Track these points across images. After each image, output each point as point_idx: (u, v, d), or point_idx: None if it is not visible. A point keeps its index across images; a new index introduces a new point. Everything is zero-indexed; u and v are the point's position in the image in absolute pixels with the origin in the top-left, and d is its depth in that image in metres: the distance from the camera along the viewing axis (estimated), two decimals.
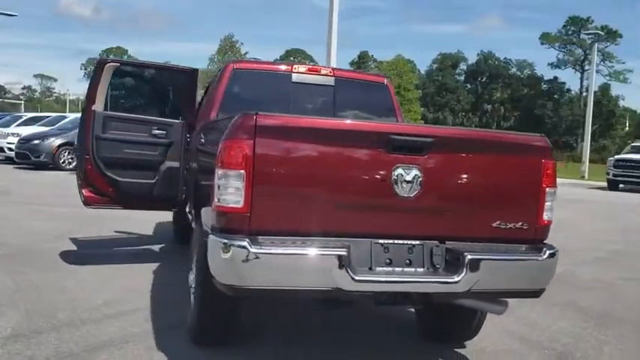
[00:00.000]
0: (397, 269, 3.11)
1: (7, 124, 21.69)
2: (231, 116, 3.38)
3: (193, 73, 5.96)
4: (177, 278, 5.49)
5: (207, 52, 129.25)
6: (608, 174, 22.66)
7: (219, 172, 2.99)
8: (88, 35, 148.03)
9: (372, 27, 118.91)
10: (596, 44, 38.72)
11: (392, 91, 5.50)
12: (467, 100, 71.13)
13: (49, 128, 19.24)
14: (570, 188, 20.84)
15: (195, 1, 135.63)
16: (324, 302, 3.68)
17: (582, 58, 67.83)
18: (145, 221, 8.14)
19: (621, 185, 22.27)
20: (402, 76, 54.61)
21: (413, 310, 4.45)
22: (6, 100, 68.59)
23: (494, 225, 3.27)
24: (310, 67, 5.57)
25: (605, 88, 64.83)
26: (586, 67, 66.49)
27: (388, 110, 5.34)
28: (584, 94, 61.70)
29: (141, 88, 6.29)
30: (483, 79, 72.85)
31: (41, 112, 38.37)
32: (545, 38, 69.68)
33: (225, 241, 2.93)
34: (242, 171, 2.93)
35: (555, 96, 68.82)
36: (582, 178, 30.79)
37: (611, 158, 24.02)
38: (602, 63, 65.12)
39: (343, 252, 2.94)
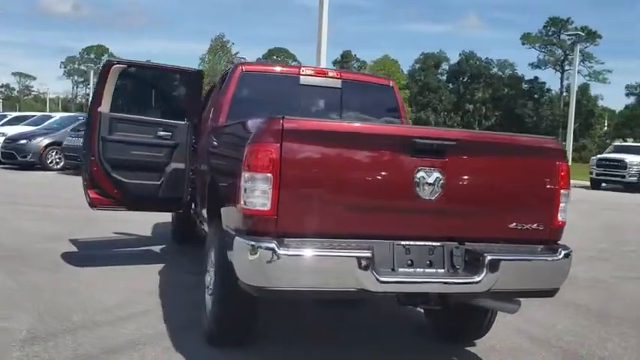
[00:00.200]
0: (418, 270, 3.17)
1: None
2: (250, 120, 3.43)
3: (198, 74, 5.99)
4: (181, 279, 5.53)
5: (190, 52, 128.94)
6: (591, 173, 22.96)
7: (245, 175, 3.02)
8: (69, 33, 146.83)
9: (355, 26, 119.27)
10: (578, 45, 39.06)
11: (397, 93, 5.56)
12: (449, 99, 71.40)
13: (36, 128, 18.96)
14: None
15: None
16: (330, 303, 3.74)
17: (562, 58, 68.45)
18: (142, 222, 8.11)
19: (604, 184, 22.60)
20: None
21: (421, 310, 4.52)
22: None
23: (511, 226, 3.35)
24: (318, 69, 5.61)
25: (584, 88, 65.41)
26: (566, 68, 67.19)
27: (394, 112, 5.41)
28: (565, 94, 62.43)
29: (146, 89, 6.27)
30: (465, 79, 73.16)
31: (20, 110, 37.79)
32: (526, 39, 70.22)
33: (253, 243, 2.97)
34: (269, 174, 2.97)
35: (536, 96, 69.37)
36: None
37: (594, 157, 24.33)
38: (581, 63, 65.57)
39: (368, 254, 3.00)
